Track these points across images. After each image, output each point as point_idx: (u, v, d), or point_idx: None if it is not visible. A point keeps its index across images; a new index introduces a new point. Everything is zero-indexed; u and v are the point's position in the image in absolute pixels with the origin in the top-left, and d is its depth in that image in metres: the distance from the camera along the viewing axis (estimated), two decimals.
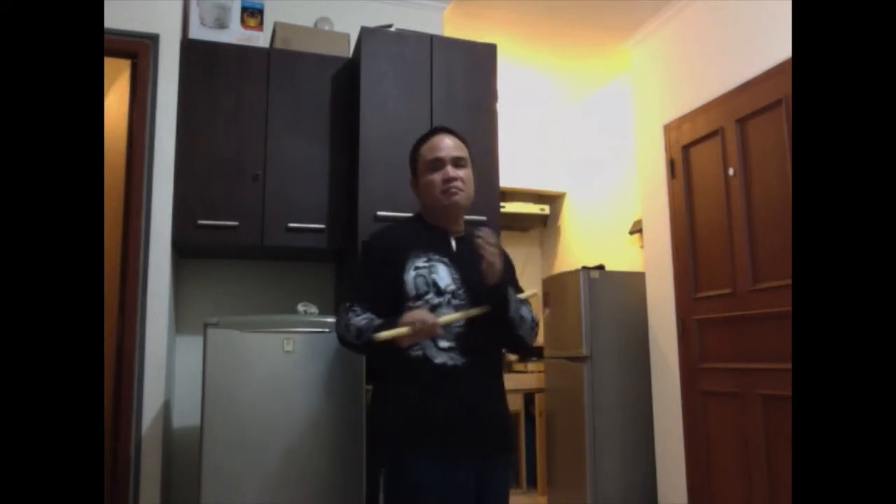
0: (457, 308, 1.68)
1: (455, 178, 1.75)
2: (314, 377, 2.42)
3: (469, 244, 1.75)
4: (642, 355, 3.77)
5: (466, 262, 1.72)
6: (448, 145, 1.79)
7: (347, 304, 1.73)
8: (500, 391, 1.79)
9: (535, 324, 1.80)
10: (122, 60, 2.75)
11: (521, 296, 1.78)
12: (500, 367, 1.83)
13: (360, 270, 1.81)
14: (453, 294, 1.69)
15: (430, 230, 1.80)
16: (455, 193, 1.75)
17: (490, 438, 1.70)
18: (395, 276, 1.70)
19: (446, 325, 1.64)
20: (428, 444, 1.63)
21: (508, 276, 1.78)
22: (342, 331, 1.73)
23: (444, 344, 1.66)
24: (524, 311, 1.76)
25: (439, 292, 1.69)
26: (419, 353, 1.66)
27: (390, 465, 1.64)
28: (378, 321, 1.65)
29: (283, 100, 2.86)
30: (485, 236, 1.64)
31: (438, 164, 1.77)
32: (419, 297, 1.68)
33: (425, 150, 1.81)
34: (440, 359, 1.66)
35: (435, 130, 1.86)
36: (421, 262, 1.71)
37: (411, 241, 1.75)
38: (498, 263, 1.64)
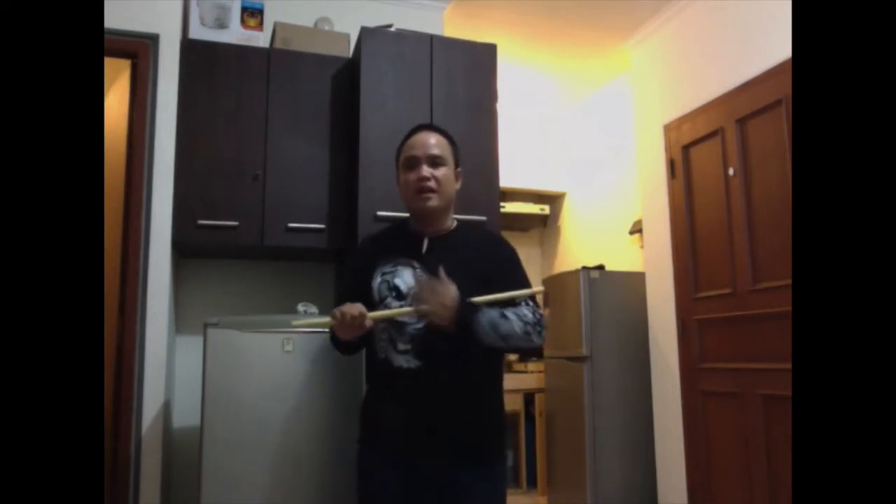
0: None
1: (428, 178, 1.69)
2: (314, 377, 2.42)
3: (447, 244, 1.73)
4: (642, 355, 3.77)
5: (437, 262, 1.63)
6: (426, 143, 1.73)
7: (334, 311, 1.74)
8: (470, 398, 1.66)
9: (529, 329, 1.60)
10: (122, 60, 2.75)
11: (522, 292, 1.65)
12: (475, 375, 1.69)
13: (345, 278, 1.86)
14: (415, 296, 1.63)
15: (406, 233, 1.79)
16: (428, 197, 1.70)
17: (447, 446, 1.62)
18: (366, 282, 1.73)
19: (382, 320, 1.63)
20: (379, 446, 1.67)
21: (502, 269, 1.72)
22: (330, 335, 1.76)
23: (401, 346, 1.65)
24: (506, 327, 1.57)
25: (399, 295, 1.67)
26: (383, 355, 1.68)
27: (356, 464, 1.72)
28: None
29: (283, 100, 2.86)
30: (416, 293, 1.60)
31: (413, 162, 1.72)
32: (381, 301, 1.68)
33: (404, 149, 1.77)
34: (398, 361, 1.65)
35: (417, 128, 1.80)
36: (387, 268, 1.72)
37: (384, 246, 1.77)
38: (437, 310, 1.54)
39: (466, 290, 1.58)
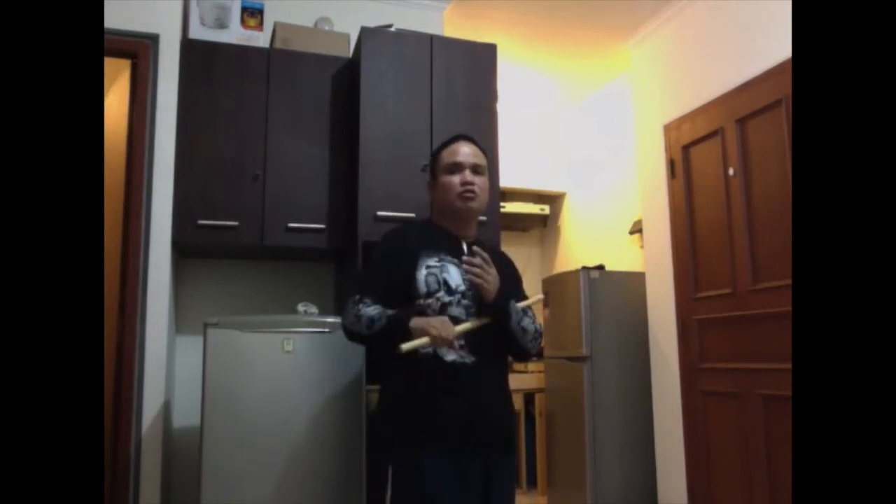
0: (466, 308, 1.72)
1: (472, 183, 1.81)
2: (314, 377, 2.42)
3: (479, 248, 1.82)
4: (642, 355, 3.77)
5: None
6: (468, 152, 1.85)
7: (357, 297, 1.75)
8: (506, 391, 1.84)
9: (537, 334, 1.83)
10: (122, 60, 2.75)
11: (525, 303, 1.82)
12: (506, 369, 1.87)
13: (372, 266, 1.85)
14: (463, 294, 1.74)
15: (443, 233, 1.85)
16: (470, 198, 1.81)
17: (495, 437, 1.74)
18: (407, 273, 1.74)
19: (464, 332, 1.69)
20: (437, 439, 1.67)
21: (509, 284, 1.82)
22: (350, 322, 1.74)
23: (455, 342, 1.70)
24: (526, 322, 1.79)
25: (450, 291, 1.73)
26: (430, 349, 1.69)
27: (402, 460, 1.68)
28: (390, 311, 1.69)
29: (283, 100, 2.86)
30: (469, 260, 1.71)
31: (457, 168, 1.83)
32: (430, 294, 1.72)
33: (445, 154, 1.87)
34: (450, 356, 1.70)
35: (457, 137, 1.91)
36: (433, 262, 1.75)
37: (424, 241, 1.81)
38: (488, 282, 1.70)
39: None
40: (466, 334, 1.70)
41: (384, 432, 1.78)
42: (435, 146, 2.79)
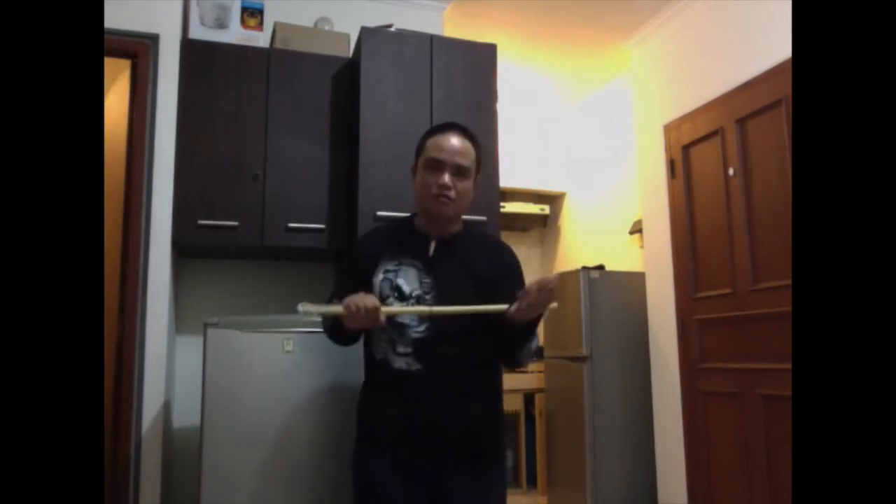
0: (418, 314, 1.64)
1: (449, 188, 1.67)
2: (314, 377, 2.41)
3: (454, 247, 1.73)
4: (642, 355, 3.77)
5: (444, 267, 1.70)
6: (454, 149, 1.69)
7: (330, 300, 1.75)
8: (467, 399, 1.68)
9: (535, 350, 1.74)
10: (122, 60, 2.75)
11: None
12: (473, 376, 1.71)
13: (340, 271, 1.86)
14: (418, 299, 1.66)
15: (413, 233, 1.76)
16: (444, 203, 1.68)
17: (446, 447, 1.64)
18: (367, 277, 1.71)
19: (390, 316, 1.59)
20: (377, 447, 1.67)
21: (508, 277, 1.74)
22: (323, 325, 1.78)
23: (401, 349, 1.66)
24: (534, 342, 1.71)
25: (402, 296, 1.68)
26: (381, 356, 1.69)
27: (353, 464, 1.74)
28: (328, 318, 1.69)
29: (283, 100, 2.86)
30: (539, 289, 1.52)
31: (439, 165, 1.68)
32: (383, 300, 1.65)
33: (431, 145, 1.72)
34: (398, 363, 1.66)
35: (448, 126, 1.75)
36: (391, 266, 1.71)
37: (388, 244, 1.75)
38: (540, 309, 1.55)
39: (469, 294, 1.63)
40: (416, 338, 1.64)
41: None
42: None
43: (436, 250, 1.73)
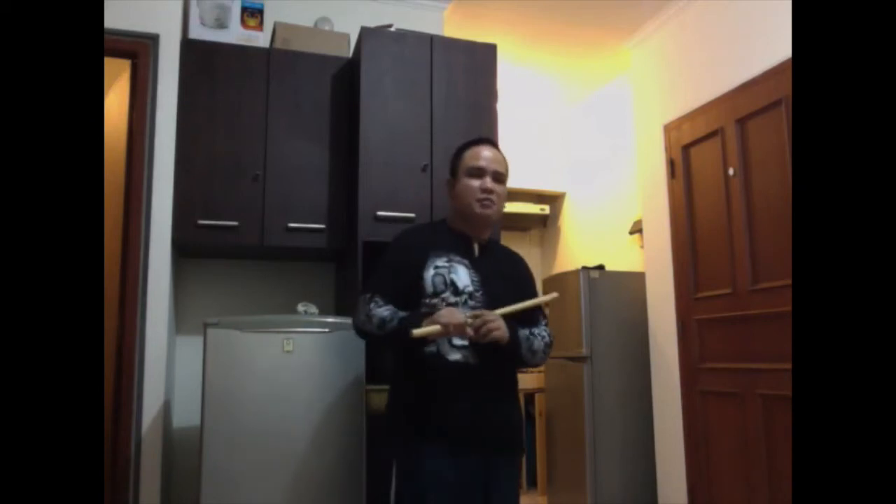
0: (473, 309, 1.71)
1: (492, 191, 1.81)
2: (314, 377, 2.42)
3: (490, 250, 1.88)
4: (642, 355, 3.77)
5: (487, 267, 1.81)
6: (491, 157, 1.85)
7: (368, 296, 1.77)
8: (512, 392, 1.84)
9: (548, 348, 1.85)
10: (122, 60, 2.75)
11: (534, 301, 1.82)
12: (512, 370, 1.86)
13: (384, 265, 1.84)
14: (470, 295, 1.74)
15: (456, 234, 1.86)
16: (488, 206, 1.81)
17: (497, 437, 1.74)
18: (416, 273, 1.75)
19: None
20: (438, 438, 1.68)
21: (522, 283, 1.88)
22: (362, 321, 1.76)
23: (457, 342, 1.71)
24: (536, 343, 1.80)
25: (457, 292, 1.74)
26: (433, 349, 1.71)
27: (405, 458, 1.71)
28: (402, 313, 1.71)
29: (283, 100, 2.86)
30: (471, 324, 1.64)
31: (480, 172, 1.82)
32: (436, 294, 1.72)
33: (469, 156, 1.86)
34: (454, 356, 1.71)
35: (482, 140, 1.91)
36: (441, 262, 1.76)
37: (434, 241, 1.82)
38: (499, 328, 1.66)
39: (509, 294, 1.77)
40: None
41: (391, 429, 1.80)
42: (436, 146, 2.82)
43: (479, 252, 1.85)
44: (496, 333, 1.65)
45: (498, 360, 1.75)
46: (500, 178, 1.85)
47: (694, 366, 3.37)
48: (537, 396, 4.45)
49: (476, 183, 1.81)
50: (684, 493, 3.38)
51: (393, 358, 1.87)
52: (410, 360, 1.76)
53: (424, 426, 1.71)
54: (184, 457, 2.81)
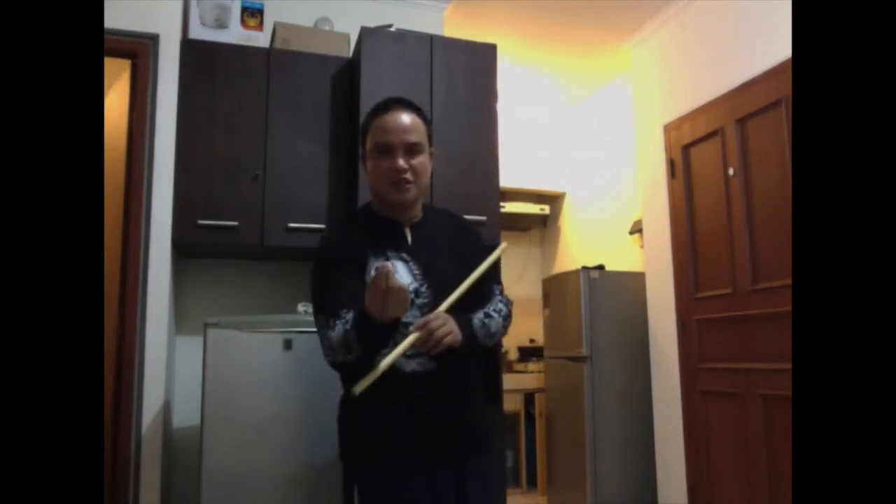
0: (421, 307, 1.52)
1: (405, 170, 1.55)
2: (314, 377, 2.41)
3: (425, 230, 1.63)
4: (642, 355, 3.77)
5: (425, 252, 1.59)
6: (403, 126, 1.56)
7: (325, 323, 1.52)
8: (478, 390, 1.67)
9: (506, 322, 1.64)
10: (122, 60, 2.75)
11: (486, 263, 1.57)
12: (476, 364, 1.67)
13: (324, 283, 1.57)
14: (416, 293, 1.53)
15: (383, 223, 1.62)
16: (406, 189, 1.56)
17: (465, 444, 1.59)
18: (361, 277, 1.53)
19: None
20: (404, 459, 1.52)
21: (468, 249, 1.65)
22: (330, 353, 1.53)
23: (410, 351, 1.47)
24: (493, 325, 1.60)
25: None
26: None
27: (364, 480, 1.55)
28: (348, 316, 1.44)
29: (283, 100, 2.86)
30: (420, 339, 1.41)
31: (389, 149, 1.55)
32: None
33: (375, 129, 1.58)
34: (409, 367, 1.51)
35: (389, 104, 1.61)
36: (380, 262, 1.51)
37: (366, 241, 1.58)
38: (451, 333, 1.44)
39: (456, 275, 1.54)
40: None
41: (349, 454, 1.63)
42: (436, 146, 2.80)
43: (413, 238, 1.62)
44: (447, 340, 1.42)
45: (457, 360, 1.54)
46: (415, 148, 1.56)
47: (694, 366, 3.37)
48: (537, 396, 4.45)
49: (385, 163, 1.55)
50: (684, 493, 3.38)
51: (340, 368, 1.63)
52: (362, 370, 1.46)
53: (388, 448, 1.53)
54: (184, 457, 2.81)
